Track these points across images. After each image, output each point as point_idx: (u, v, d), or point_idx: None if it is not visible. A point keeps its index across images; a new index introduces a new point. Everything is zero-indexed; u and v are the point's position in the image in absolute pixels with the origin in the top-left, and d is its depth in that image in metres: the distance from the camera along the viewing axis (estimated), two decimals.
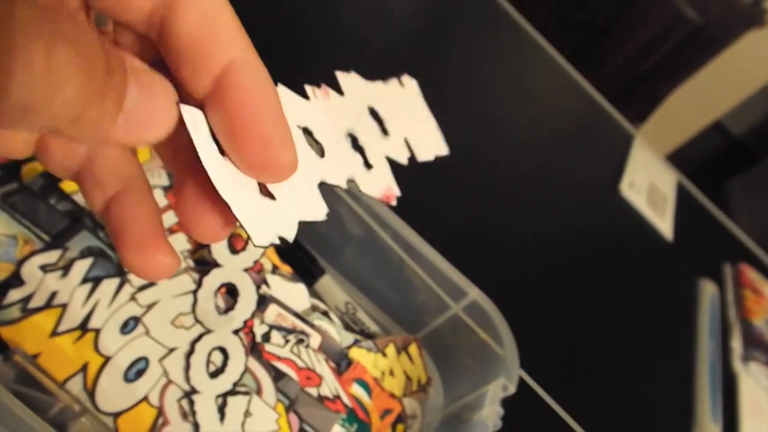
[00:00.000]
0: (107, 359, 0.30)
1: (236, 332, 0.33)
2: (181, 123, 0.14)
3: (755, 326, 0.70)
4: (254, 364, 0.33)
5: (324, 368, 0.36)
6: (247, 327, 0.34)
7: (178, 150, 0.16)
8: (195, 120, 0.14)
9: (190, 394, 0.31)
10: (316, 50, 0.59)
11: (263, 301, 0.36)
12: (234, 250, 0.36)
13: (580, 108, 0.87)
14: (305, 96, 0.18)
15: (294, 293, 0.37)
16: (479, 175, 0.63)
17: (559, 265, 0.62)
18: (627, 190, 0.74)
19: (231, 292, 0.35)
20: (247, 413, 0.32)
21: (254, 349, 0.34)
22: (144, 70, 0.14)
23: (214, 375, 0.32)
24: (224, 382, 0.32)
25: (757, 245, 0.89)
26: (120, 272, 0.32)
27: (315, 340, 0.36)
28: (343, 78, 0.19)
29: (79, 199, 0.33)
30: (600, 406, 0.53)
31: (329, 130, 0.18)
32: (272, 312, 0.36)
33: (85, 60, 0.12)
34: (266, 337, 0.35)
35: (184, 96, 0.15)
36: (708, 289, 0.72)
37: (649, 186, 0.79)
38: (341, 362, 0.37)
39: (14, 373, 0.28)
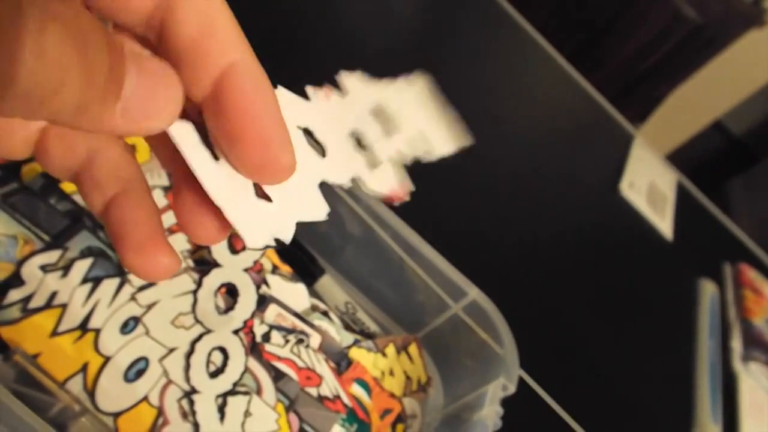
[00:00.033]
0: (107, 359, 0.30)
1: (236, 332, 0.34)
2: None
3: (755, 326, 0.70)
4: (254, 364, 0.33)
5: (324, 368, 0.36)
6: (247, 327, 0.34)
7: (176, 151, 0.16)
8: (180, 131, 0.15)
9: (190, 394, 0.31)
10: (315, 50, 0.59)
11: (263, 301, 0.36)
12: (234, 250, 0.36)
13: (580, 108, 0.87)
14: (306, 97, 0.18)
15: (294, 293, 0.37)
16: (479, 175, 0.63)
17: (559, 265, 0.62)
18: (627, 190, 0.74)
19: (231, 292, 0.35)
20: (247, 413, 0.32)
21: (254, 349, 0.34)
22: (145, 56, 0.13)
23: (214, 375, 0.32)
24: (224, 382, 0.32)
25: (757, 245, 0.89)
26: (120, 272, 0.32)
27: (315, 340, 0.36)
28: (347, 78, 0.19)
29: (79, 199, 0.33)
30: (600, 406, 0.53)
31: (331, 131, 0.18)
32: (272, 312, 0.36)
33: (87, 46, 0.11)
34: (266, 337, 0.35)
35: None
36: (708, 289, 0.72)
37: (649, 186, 0.79)
38: (341, 362, 0.37)
39: (14, 372, 0.28)
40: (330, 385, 0.35)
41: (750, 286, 0.76)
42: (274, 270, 0.38)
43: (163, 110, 0.13)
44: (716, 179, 1.57)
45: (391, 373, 0.39)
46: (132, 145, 0.33)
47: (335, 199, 0.38)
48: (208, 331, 0.33)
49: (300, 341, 0.36)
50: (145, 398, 0.30)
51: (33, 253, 0.30)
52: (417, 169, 0.21)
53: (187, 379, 0.31)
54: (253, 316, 0.35)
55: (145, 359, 0.31)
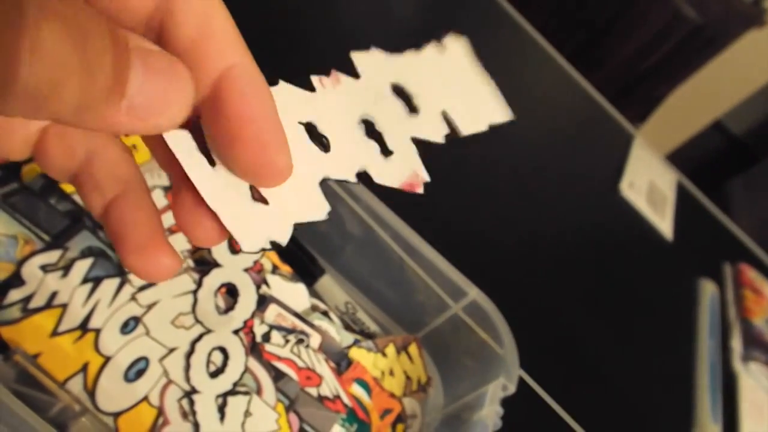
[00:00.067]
0: (107, 359, 0.30)
1: (236, 332, 0.34)
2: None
3: (755, 326, 0.70)
4: (254, 364, 0.33)
5: (324, 368, 0.36)
6: (247, 327, 0.34)
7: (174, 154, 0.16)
8: (177, 138, 0.14)
9: (190, 393, 0.31)
10: (315, 50, 0.59)
11: (263, 301, 0.36)
12: (234, 250, 0.36)
13: (580, 108, 0.87)
14: (311, 89, 0.17)
15: (294, 293, 0.37)
16: (479, 174, 0.63)
17: (559, 265, 0.62)
18: (627, 190, 0.74)
19: (231, 292, 0.35)
20: (247, 413, 0.32)
21: (254, 349, 0.34)
22: (151, 51, 0.13)
23: (214, 375, 0.32)
24: (224, 382, 0.32)
25: (757, 245, 0.89)
26: (120, 272, 0.32)
27: (315, 340, 0.36)
28: (361, 57, 0.18)
29: (79, 199, 0.33)
30: (600, 406, 0.53)
31: (337, 121, 0.17)
32: (272, 312, 0.36)
33: (87, 43, 0.11)
34: (266, 337, 0.35)
35: None
36: (708, 289, 0.72)
37: (649, 186, 0.79)
38: (341, 362, 0.37)
39: (15, 372, 0.28)
40: (330, 385, 0.35)
41: (750, 286, 0.76)
42: (274, 270, 0.38)
43: (170, 107, 0.13)
44: (716, 179, 1.57)
45: (391, 373, 0.39)
46: (132, 146, 0.33)
47: (335, 199, 0.38)
48: (208, 331, 0.33)
49: (300, 341, 0.36)
50: (146, 398, 0.30)
51: (33, 253, 0.30)
52: None
53: (188, 379, 0.31)
54: (253, 316, 0.35)
55: (145, 359, 0.31)
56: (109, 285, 0.32)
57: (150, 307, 0.32)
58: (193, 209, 0.15)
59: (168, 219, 0.35)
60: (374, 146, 0.18)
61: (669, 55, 1.20)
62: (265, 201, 0.16)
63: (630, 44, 1.20)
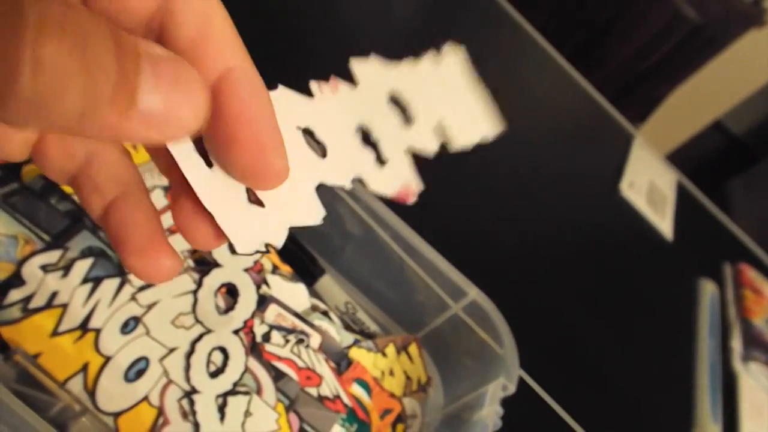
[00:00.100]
0: (107, 359, 0.30)
1: (236, 332, 0.34)
2: None
3: (755, 326, 0.70)
4: (254, 364, 0.34)
5: (324, 368, 0.36)
6: (247, 327, 0.34)
7: (173, 158, 0.16)
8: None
9: (190, 393, 0.31)
10: (315, 50, 0.59)
11: (263, 301, 0.36)
12: (234, 251, 0.36)
13: (580, 108, 0.87)
14: (309, 94, 0.17)
15: (294, 293, 0.37)
16: (479, 174, 0.63)
17: (559, 265, 0.62)
18: (627, 190, 0.74)
19: (231, 292, 0.35)
20: (247, 413, 0.32)
21: (254, 349, 0.34)
22: (163, 56, 0.12)
23: (214, 375, 0.32)
24: (224, 382, 0.32)
25: (757, 245, 0.89)
26: (120, 272, 0.32)
27: (315, 340, 0.36)
28: (359, 66, 0.18)
29: None
30: (600, 406, 0.53)
31: (334, 128, 0.17)
32: (272, 312, 0.36)
33: (89, 49, 0.11)
34: (266, 337, 0.35)
35: None
36: (708, 289, 0.72)
37: (649, 186, 0.79)
38: (341, 362, 0.37)
39: (15, 372, 0.28)
40: (330, 385, 0.36)
41: (750, 286, 0.76)
42: (274, 270, 0.38)
43: (183, 115, 0.12)
44: (716, 179, 1.57)
45: (391, 373, 0.39)
46: (132, 146, 0.33)
47: (335, 199, 0.38)
48: (209, 331, 0.33)
49: (300, 341, 0.36)
50: (146, 398, 0.30)
51: (33, 253, 0.30)
52: (417, 170, 0.21)
53: (188, 379, 0.31)
54: (253, 316, 0.35)
55: (145, 359, 0.31)
56: (110, 285, 0.32)
57: (150, 307, 0.32)
58: (192, 213, 0.15)
59: (168, 219, 0.35)
60: (370, 154, 0.18)
61: (669, 55, 1.20)
62: (261, 204, 0.16)
63: (630, 44, 1.20)
